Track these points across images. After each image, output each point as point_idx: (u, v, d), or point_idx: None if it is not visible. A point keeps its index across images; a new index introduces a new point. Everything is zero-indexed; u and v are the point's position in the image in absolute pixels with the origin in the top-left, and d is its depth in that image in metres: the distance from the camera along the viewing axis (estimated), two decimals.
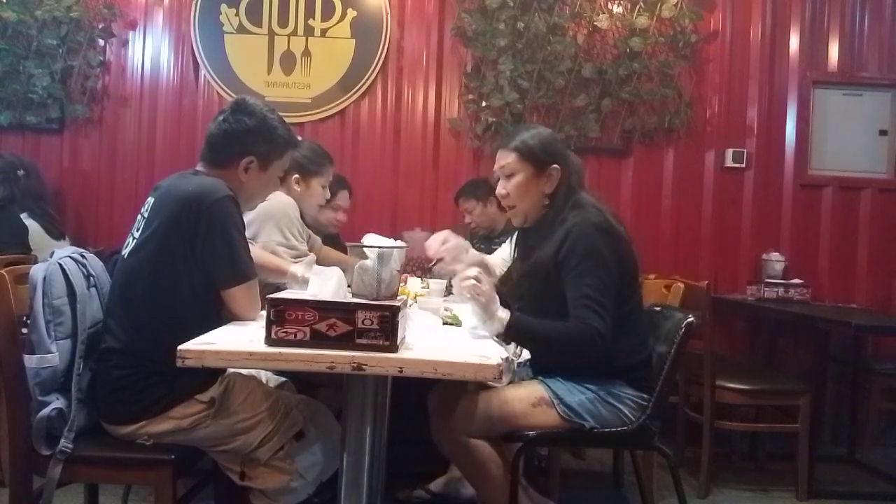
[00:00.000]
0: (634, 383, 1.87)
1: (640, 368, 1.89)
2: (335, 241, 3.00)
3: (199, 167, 1.83)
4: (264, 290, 1.80)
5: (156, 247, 1.66)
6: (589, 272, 1.77)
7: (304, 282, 1.87)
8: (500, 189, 1.99)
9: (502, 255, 2.38)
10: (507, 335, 1.74)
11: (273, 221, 2.27)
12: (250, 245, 1.81)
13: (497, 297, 1.74)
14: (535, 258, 1.92)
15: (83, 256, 1.81)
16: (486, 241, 3.41)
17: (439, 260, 2.15)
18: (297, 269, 2.07)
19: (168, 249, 1.65)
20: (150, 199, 1.76)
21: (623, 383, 1.86)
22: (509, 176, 1.96)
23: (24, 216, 3.14)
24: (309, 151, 2.50)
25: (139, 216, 1.77)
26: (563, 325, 1.77)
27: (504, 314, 1.72)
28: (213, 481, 2.08)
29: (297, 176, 2.46)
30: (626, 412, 1.85)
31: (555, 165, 1.92)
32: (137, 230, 1.74)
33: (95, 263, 1.84)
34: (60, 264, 1.70)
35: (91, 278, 1.78)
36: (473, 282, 1.69)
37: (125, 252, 1.74)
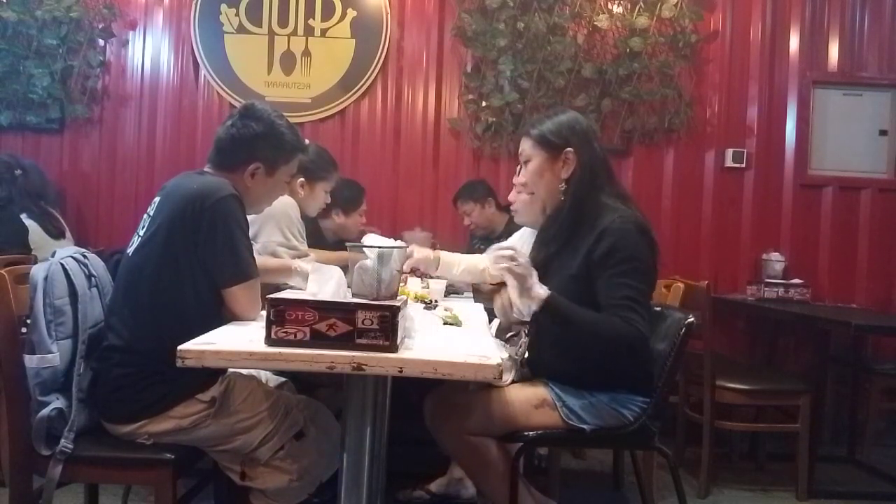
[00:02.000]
0: (638, 389, 1.84)
1: (647, 378, 1.85)
2: (340, 245, 3.01)
3: (207, 168, 1.83)
4: (264, 290, 1.80)
5: (159, 245, 1.66)
6: (632, 274, 1.70)
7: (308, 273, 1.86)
8: (520, 178, 1.95)
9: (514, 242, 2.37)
10: (544, 313, 1.65)
11: (274, 222, 2.27)
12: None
13: (535, 272, 1.66)
14: (557, 251, 1.85)
15: (85, 256, 1.81)
16: (485, 241, 3.39)
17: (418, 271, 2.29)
18: (300, 263, 2.07)
19: (171, 247, 1.65)
20: (157, 199, 1.77)
21: (628, 391, 1.83)
22: (527, 162, 1.92)
23: (23, 216, 3.15)
24: (316, 157, 2.51)
25: (145, 215, 1.77)
26: (606, 317, 1.67)
27: (543, 290, 1.65)
28: (213, 481, 2.08)
29: (302, 179, 2.47)
30: (629, 416, 1.83)
31: (569, 149, 1.84)
32: (142, 229, 1.74)
33: (97, 263, 1.84)
34: (62, 264, 1.70)
35: (93, 279, 1.78)
36: (511, 252, 1.64)
37: (129, 250, 1.75)
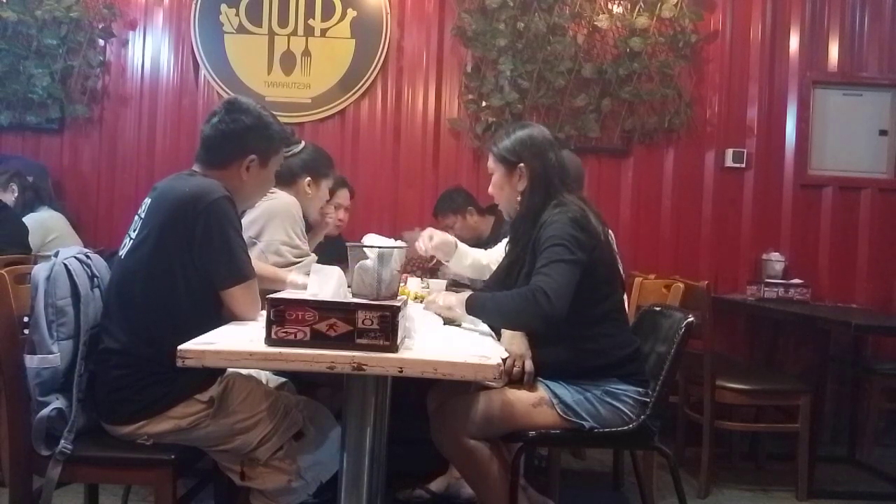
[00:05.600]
0: (628, 378, 1.88)
1: (631, 362, 1.90)
2: (336, 241, 2.99)
3: (196, 168, 1.82)
4: (264, 290, 1.79)
5: (152, 248, 1.66)
6: (550, 249, 1.80)
7: (304, 287, 1.87)
8: (490, 188, 2.11)
9: (496, 255, 2.42)
10: (469, 311, 1.84)
11: (277, 220, 2.26)
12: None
13: (443, 296, 1.96)
14: (518, 252, 2.00)
15: (88, 257, 1.80)
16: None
17: (435, 260, 2.35)
18: (296, 276, 2.07)
19: (164, 250, 1.65)
20: (147, 200, 1.76)
21: (617, 379, 1.87)
22: (492, 175, 2.08)
23: (43, 209, 3.27)
24: (317, 154, 2.49)
25: (136, 217, 1.77)
26: (514, 290, 1.84)
27: (460, 301, 1.85)
28: (213, 481, 2.08)
29: (308, 179, 2.44)
30: (626, 410, 1.86)
31: (521, 164, 1.98)
32: (134, 231, 1.73)
33: (100, 264, 1.83)
34: (65, 264, 1.70)
35: (95, 279, 1.77)
36: (434, 304, 1.97)
37: (122, 253, 1.74)
